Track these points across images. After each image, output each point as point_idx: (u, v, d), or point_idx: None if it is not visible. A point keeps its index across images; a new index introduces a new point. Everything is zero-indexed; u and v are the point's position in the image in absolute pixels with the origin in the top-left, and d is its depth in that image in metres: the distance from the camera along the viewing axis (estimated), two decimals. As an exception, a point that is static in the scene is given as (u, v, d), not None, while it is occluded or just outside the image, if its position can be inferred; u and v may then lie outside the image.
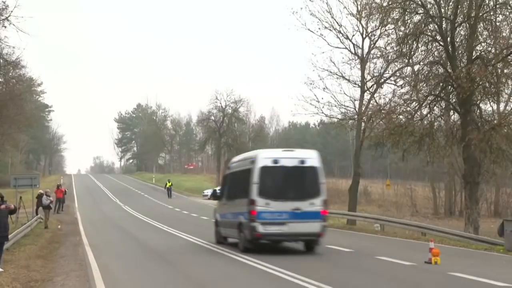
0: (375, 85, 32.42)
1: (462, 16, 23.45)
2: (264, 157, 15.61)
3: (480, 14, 22.80)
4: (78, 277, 11.63)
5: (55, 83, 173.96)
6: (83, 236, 21.23)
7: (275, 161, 15.49)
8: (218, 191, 19.61)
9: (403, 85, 26.41)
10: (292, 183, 15.51)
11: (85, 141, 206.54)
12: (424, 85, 24.37)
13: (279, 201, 15.11)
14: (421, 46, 24.23)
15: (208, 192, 55.46)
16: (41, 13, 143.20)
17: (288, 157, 15.75)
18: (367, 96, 32.53)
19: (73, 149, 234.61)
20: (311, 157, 16.06)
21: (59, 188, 37.39)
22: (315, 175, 15.67)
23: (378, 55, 31.39)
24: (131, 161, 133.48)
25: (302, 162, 15.72)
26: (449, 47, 23.36)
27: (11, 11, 26.47)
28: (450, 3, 23.97)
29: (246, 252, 15.08)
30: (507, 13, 23.49)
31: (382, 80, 31.98)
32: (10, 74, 35.88)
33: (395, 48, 25.41)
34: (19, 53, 33.61)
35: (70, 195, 49.15)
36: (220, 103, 67.96)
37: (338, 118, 34.01)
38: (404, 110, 24.55)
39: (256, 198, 15.03)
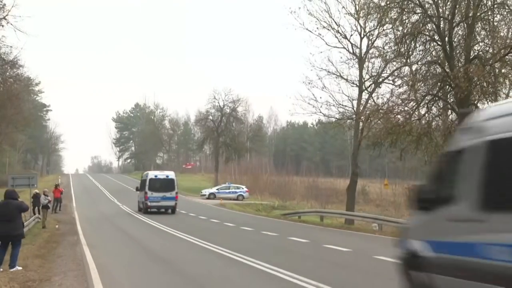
0: (373, 85, 32.52)
1: (460, 15, 23.47)
2: (152, 174, 36.25)
3: (478, 14, 22.82)
4: (76, 277, 11.61)
5: (53, 82, 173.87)
6: (81, 236, 21.21)
7: (156, 176, 35.45)
8: (138, 187, 38.31)
9: (401, 85, 26.44)
10: (163, 185, 34.54)
11: (83, 141, 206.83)
12: (422, 84, 24.40)
13: (157, 192, 34.17)
14: (419, 46, 24.28)
15: (206, 192, 55.53)
16: (39, 12, 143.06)
17: (161, 174, 36.34)
18: (365, 95, 32.65)
19: (71, 148, 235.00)
20: (171, 174, 36.00)
21: (57, 188, 37.36)
22: (173, 181, 34.86)
23: (376, 55, 31.45)
24: (129, 160, 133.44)
25: (167, 176, 35.36)
26: (447, 46, 23.38)
27: (9, 10, 26.46)
28: (448, 3, 23.99)
29: (144, 214, 33.65)
30: (505, 13, 23.54)
31: (380, 79, 32.08)
32: (8, 73, 35.87)
33: (393, 48, 25.46)
34: (17, 52, 33.67)
35: (68, 195, 49.12)
36: (218, 103, 68.13)
37: (336, 118, 34.14)
38: (402, 109, 24.57)
39: (148, 191, 34.15)
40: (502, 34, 24.01)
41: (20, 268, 12.48)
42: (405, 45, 23.91)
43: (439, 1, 23.94)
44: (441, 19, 23.74)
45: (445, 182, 7.28)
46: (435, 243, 7.11)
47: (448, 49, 23.38)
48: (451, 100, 24.48)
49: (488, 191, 6.18)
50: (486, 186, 6.24)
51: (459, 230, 6.58)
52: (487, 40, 23.72)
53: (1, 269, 12.39)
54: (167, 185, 34.30)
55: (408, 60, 25.16)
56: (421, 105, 24.43)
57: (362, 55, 32.68)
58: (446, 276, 6.79)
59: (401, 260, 8.30)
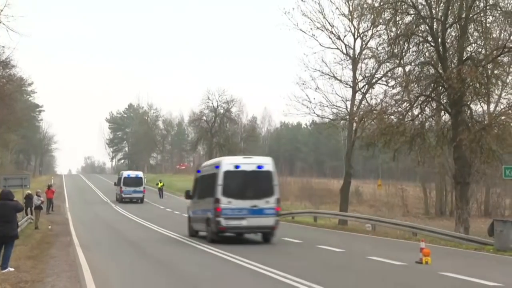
0: (366, 86, 32.56)
1: (453, 17, 23.56)
2: (125, 173, 39.15)
3: (471, 15, 22.91)
4: (69, 278, 11.57)
5: (46, 83, 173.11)
6: (74, 237, 21.13)
7: (128, 175, 41.64)
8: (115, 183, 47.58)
9: (394, 86, 26.51)
10: (134, 182, 42.79)
11: (76, 141, 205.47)
12: (415, 85, 24.46)
13: (129, 187, 42.53)
14: (412, 47, 24.33)
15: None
16: (32, 12, 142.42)
17: (133, 173, 41.64)
18: (358, 96, 32.67)
19: (64, 149, 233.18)
20: (140, 174, 41.05)
21: (50, 189, 37.20)
22: (141, 179, 42.17)
23: (370, 56, 31.52)
24: (122, 161, 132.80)
25: (137, 175, 41.99)
26: (440, 48, 23.46)
27: (1, 10, 26.28)
28: (441, 4, 24.07)
29: (121, 204, 41.22)
30: (497, 14, 23.64)
31: (374, 80, 32.12)
32: (0, 73, 35.69)
33: (386, 49, 25.51)
34: (9, 52, 33.34)
35: (61, 195, 48.93)
36: (212, 103, 67.89)
37: (329, 119, 34.17)
38: (396, 110, 24.61)
39: (122, 186, 42.27)
40: (494, 35, 24.13)
41: (12, 269, 12.42)
42: (399, 46, 23.96)
43: (432, 3, 24.01)
44: (434, 20, 23.81)
45: (194, 188, 21.52)
46: (192, 211, 21.06)
47: (441, 50, 23.45)
48: (444, 101, 24.56)
49: (198, 192, 20.96)
50: (199, 191, 20.87)
51: (195, 205, 20.95)
52: (480, 42, 23.82)
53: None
54: (137, 182, 44.88)
55: (402, 61, 25.22)
56: (415, 106, 24.49)
57: (356, 56, 32.71)
58: (194, 223, 20.77)
59: (188, 218, 21.47)
